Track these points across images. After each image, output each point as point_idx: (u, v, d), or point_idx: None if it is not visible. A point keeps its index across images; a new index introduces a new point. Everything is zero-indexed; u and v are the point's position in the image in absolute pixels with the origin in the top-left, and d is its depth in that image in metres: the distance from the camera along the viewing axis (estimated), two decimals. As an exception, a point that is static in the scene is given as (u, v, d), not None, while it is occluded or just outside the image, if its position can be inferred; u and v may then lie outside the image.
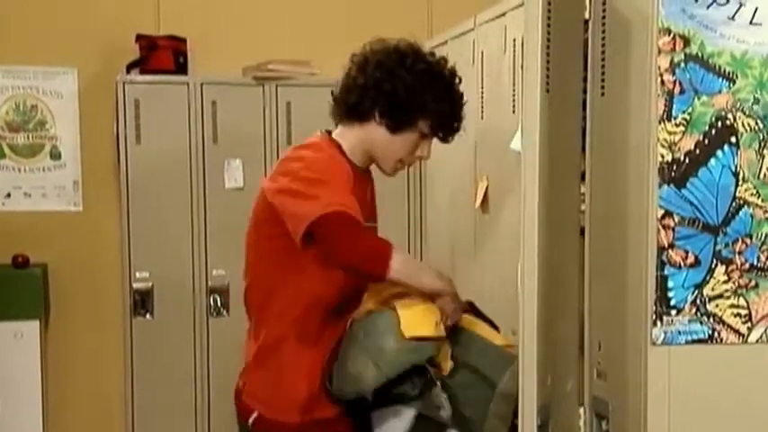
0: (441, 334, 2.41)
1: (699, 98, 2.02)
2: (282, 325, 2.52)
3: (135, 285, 4.56)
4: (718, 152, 2.03)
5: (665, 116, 2.01)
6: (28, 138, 4.87)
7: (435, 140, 2.58)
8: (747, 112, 2.03)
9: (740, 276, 2.05)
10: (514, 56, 3.00)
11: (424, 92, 2.48)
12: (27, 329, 4.57)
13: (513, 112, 3.01)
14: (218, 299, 4.60)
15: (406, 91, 2.46)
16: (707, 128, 2.03)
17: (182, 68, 4.75)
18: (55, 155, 4.89)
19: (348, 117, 2.55)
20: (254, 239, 2.58)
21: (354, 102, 2.52)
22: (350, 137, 2.56)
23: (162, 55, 4.70)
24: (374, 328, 2.42)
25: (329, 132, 2.61)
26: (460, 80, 2.57)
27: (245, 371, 2.63)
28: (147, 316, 4.58)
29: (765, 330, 2.07)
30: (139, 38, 4.74)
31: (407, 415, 2.46)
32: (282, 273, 2.50)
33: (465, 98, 2.57)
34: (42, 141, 4.89)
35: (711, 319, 2.05)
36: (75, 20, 4.87)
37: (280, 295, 2.51)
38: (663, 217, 2.02)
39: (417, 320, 2.39)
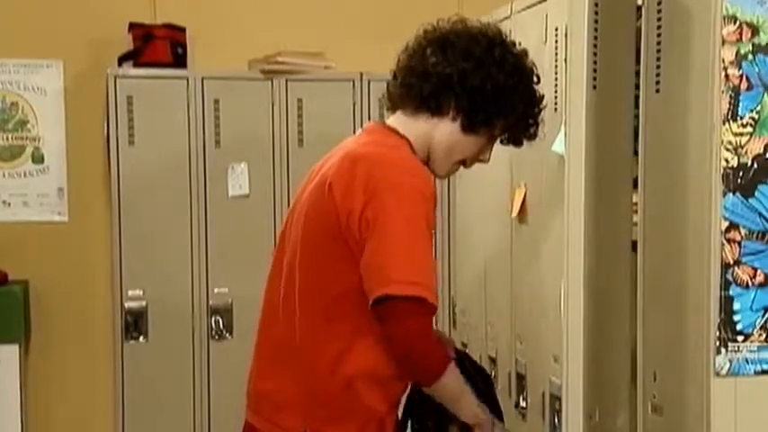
0: None
1: (769, 95, 2.01)
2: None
3: (127, 305, 4.57)
4: (792, 156, 2.03)
5: (729, 115, 2.01)
6: (7, 139, 4.90)
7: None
8: (824, 111, 2.02)
9: (816, 298, 2.04)
10: (556, 47, 2.99)
11: (511, 91, 2.43)
12: (5, 354, 4.58)
13: (556, 110, 3.00)
14: (221, 320, 4.61)
15: (494, 89, 2.41)
16: (778, 128, 2.02)
17: (180, 61, 4.77)
18: (37, 158, 4.92)
19: (418, 106, 2.47)
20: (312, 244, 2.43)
21: (431, 91, 2.44)
22: (415, 129, 2.48)
23: (158, 46, 4.72)
24: None
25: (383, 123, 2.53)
26: (539, 79, 2.53)
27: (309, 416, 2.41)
28: (141, 339, 4.59)
29: None
30: (133, 27, 4.77)
31: None
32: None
33: (545, 101, 2.53)
34: (23, 143, 4.92)
35: (784, 347, 2.04)
36: (60, 6, 4.90)
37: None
38: (728, 230, 2.01)
39: None
